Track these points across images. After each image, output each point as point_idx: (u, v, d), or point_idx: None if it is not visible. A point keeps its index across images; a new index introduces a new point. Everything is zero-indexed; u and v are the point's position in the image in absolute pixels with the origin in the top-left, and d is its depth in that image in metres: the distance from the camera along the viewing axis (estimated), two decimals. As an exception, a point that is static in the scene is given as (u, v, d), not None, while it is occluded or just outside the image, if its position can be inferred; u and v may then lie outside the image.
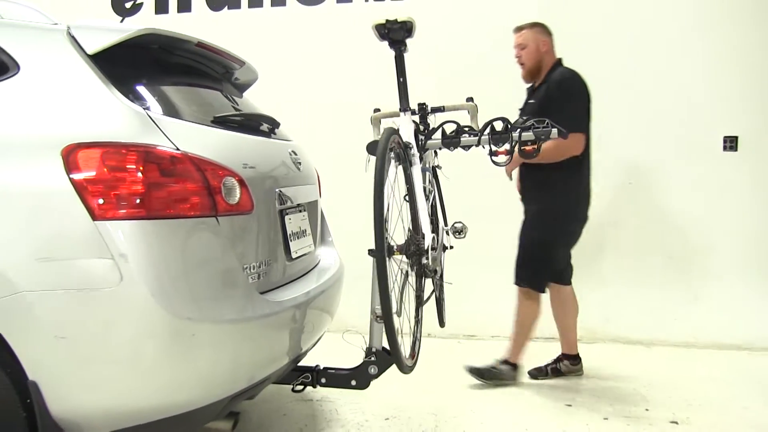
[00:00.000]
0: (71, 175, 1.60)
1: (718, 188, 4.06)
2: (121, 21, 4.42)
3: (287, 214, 2.19)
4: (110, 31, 1.86)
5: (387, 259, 1.84)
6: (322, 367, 2.39)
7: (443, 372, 3.27)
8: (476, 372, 3.13)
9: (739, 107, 4.06)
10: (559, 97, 2.88)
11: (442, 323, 2.59)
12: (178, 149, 1.72)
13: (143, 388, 1.63)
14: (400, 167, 2.13)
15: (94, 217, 1.59)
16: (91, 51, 1.78)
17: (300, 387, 2.37)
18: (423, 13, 3.21)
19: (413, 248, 1.74)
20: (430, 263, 1.67)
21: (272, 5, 4.43)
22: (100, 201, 1.60)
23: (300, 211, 2.32)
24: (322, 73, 4.33)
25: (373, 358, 2.30)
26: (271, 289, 2.01)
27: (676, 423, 2.70)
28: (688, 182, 4.08)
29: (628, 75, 4.06)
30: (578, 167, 3.03)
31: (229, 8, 4.46)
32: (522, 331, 3.16)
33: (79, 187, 1.60)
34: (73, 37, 1.81)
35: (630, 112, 4.09)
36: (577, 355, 3.32)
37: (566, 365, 3.29)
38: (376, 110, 2.71)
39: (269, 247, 2.03)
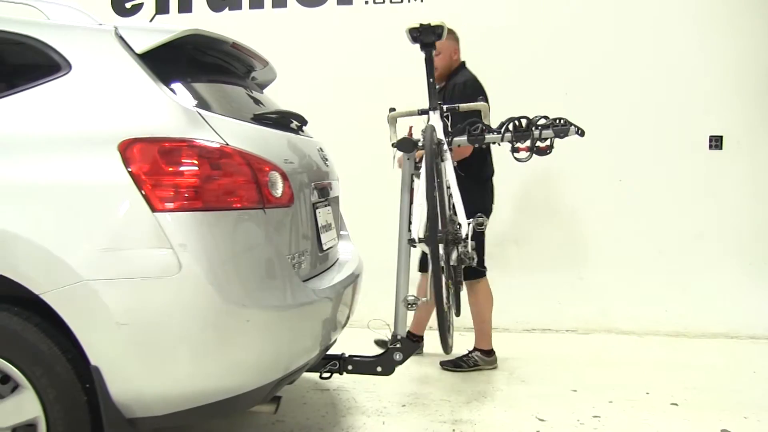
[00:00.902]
0: (129, 168, 1.68)
1: (704, 185, 4.26)
2: (151, 21, 4.46)
3: (317, 207, 2.29)
4: (156, 31, 1.94)
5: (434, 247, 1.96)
6: (347, 355, 2.49)
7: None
8: (450, 364, 3.29)
9: (724, 107, 4.27)
10: (459, 100, 2.92)
11: (458, 311, 2.71)
12: (227, 144, 1.80)
13: (200, 372, 1.71)
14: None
15: (153, 209, 1.67)
16: (139, 50, 1.86)
17: (327, 375, 2.47)
18: (425, 15, 3.34)
19: (450, 237, 1.84)
20: (469, 251, 1.78)
21: (273, 6, 4.52)
22: (159, 193, 1.68)
23: (326, 206, 2.42)
24: (323, 73, 4.43)
25: (398, 345, 2.41)
26: (308, 278, 2.10)
27: (676, 404, 2.86)
28: (676, 179, 4.28)
29: (614, 76, 4.24)
30: (482, 164, 3.19)
31: (230, 9, 4.54)
32: (480, 317, 3.33)
33: (138, 180, 1.68)
34: (121, 37, 1.88)
35: (617, 112, 4.27)
36: (492, 349, 3.42)
37: (480, 357, 3.38)
38: (392, 109, 2.81)
39: (305, 238, 2.13)
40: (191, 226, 1.69)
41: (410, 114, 2.70)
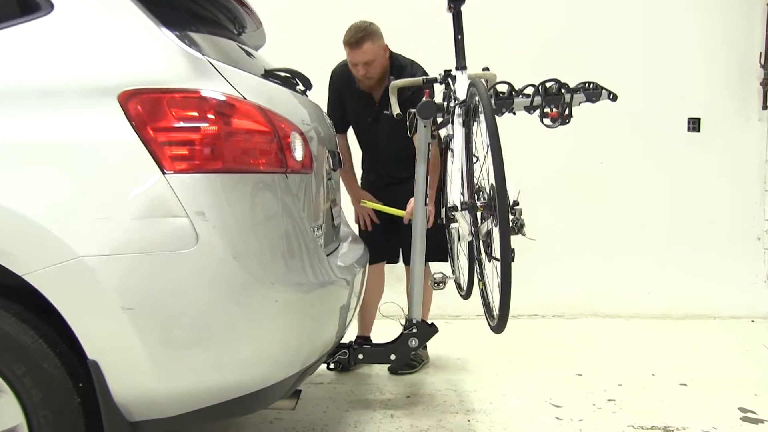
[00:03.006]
0: (134, 123, 1.40)
1: (683, 167, 4.25)
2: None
3: (330, 177, 2.05)
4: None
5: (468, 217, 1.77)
6: (357, 344, 2.26)
7: (447, 351, 3.21)
8: (406, 367, 2.88)
9: (702, 90, 4.27)
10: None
11: (468, 293, 2.53)
12: (244, 98, 1.55)
13: (222, 365, 1.45)
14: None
15: (164, 170, 1.40)
16: (135, -12, 1.57)
17: (334, 365, 2.24)
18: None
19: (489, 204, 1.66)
20: (518, 218, 1.59)
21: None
22: (171, 152, 1.41)
23: (330, 179, 2.18)
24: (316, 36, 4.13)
25: (413, 330, 2.20)
26: (328, 254, 1.87)
27: (685, 385, 2.78)
28: (656, 161, 4.25)
29: (595, 57, 4.15)
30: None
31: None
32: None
33: (145, 137, 1.40)
34: (110, -28, 1.58)
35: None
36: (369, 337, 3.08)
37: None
38: (392, 78, 2.60)
39: (322, 209, 1.89)
40: (209, 191, 1.43)
41: (414, 84, 2.48)
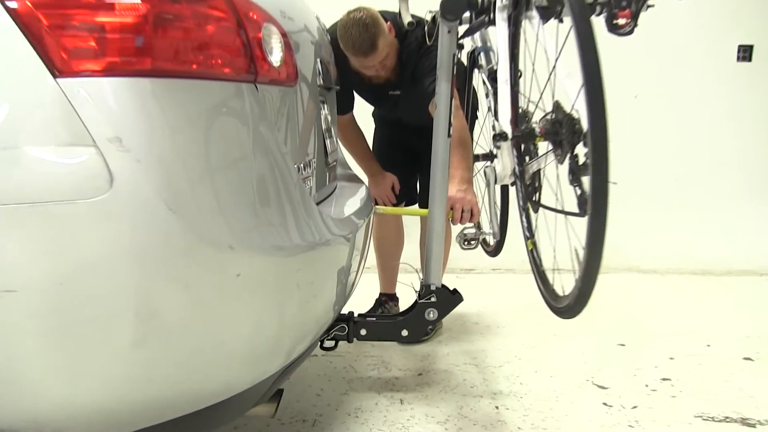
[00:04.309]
0: (8, 2, 0.87)
1: (730, 102, 3.70)
2: None
3: (323, 99, 1.52)
4: None
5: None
6: (359, 315, 1.78)
7: (462, 312, 2.75)
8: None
9: (756, 13, 3.67)
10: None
11: (498, 251, 2.05)
12: (190, -34, 1.00)
13: (153, 373, 0.96)
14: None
15: (56, 72, 0.88)
16: None
17: (330, 343, 1.76)
18: None
19: (565, 131, 1.13)
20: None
21: None
22: (69, 41, 0.89)
23: (323, 102, 1.65)
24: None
25: (432, 299, 1.72)
26: (319, 202, 1.37)
27: (751, 359, 2.33)
28: (698, 95, 3.70)
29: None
30: None
31: None
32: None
33: (24, 21, 0.87)
34: None
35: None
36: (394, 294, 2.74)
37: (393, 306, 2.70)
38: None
39: (312, 141, 1.37)
40: (131, 105, 0.91)
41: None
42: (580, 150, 1.19)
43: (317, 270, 1.18)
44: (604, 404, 1.94)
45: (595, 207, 0.98)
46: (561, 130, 1.15)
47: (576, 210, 1.14)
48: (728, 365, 2.26)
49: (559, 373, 2.17)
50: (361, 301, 2.41)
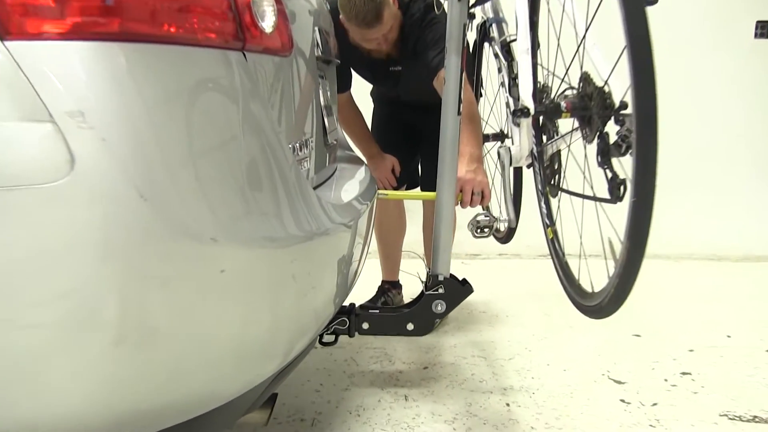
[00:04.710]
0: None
1: (746, 80, 3.55)
2: None
3: (320, 73, 1.39)
4: None
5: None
6: (360, 307, 1.66)
7: (468, 300, 2.62)
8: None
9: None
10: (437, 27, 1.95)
11: (509, 238, 1.92)
12: None
13: (128, 382, 0.83)
14: None
15: (5, 34, 0.74)
16: None
17: (330, 338, 1.64)
18: None
19: (595, 106, 0.99)
20: (630, 128, 0.95)
21: None
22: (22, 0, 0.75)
23: (323, 77, 1.51)
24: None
25: (440, 290, 1.59)
26: (318, 185, 1.24)
27: (773, 352, 2.21)
28: (713, 73, 3.55)
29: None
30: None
31: None
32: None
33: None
34: None
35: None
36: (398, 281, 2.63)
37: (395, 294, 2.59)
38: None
39: (310, 118, 1.24)
40: (96, 74, 0.77)
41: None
42: (611, 128, 1.06)
43: (315, 263, 1.05)
44: (622, 401, 1.82)
45: (640, 192, 0.85)
46: (591, 104, 1.02)
47: (606, 195, 1.02)
48: (751, 358, 2.14)
49: (572, 367, 2.06)
50: (361, 289, 2.29)
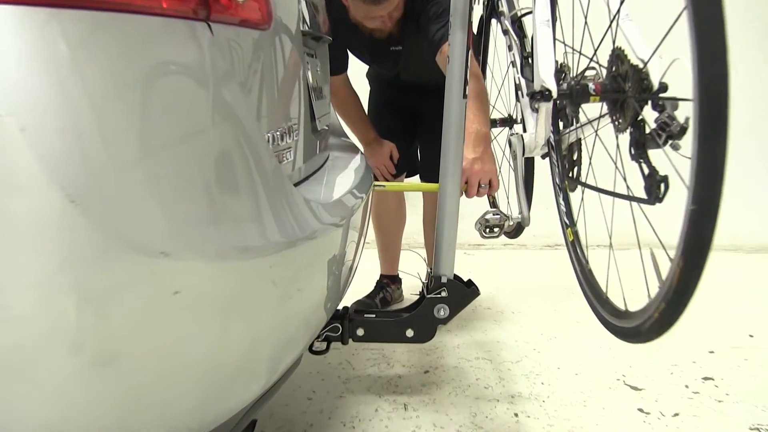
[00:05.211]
0: None
1: (765, 65, 3.37)
2: None
3: (309, 51, 1.22)
4: None
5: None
6: (355, 312, 1.51)
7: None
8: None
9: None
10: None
11: (518, 233, 1.76)
12: None
13: (64, 424, 0.68)
14: None
15: None
16: None
17: (321, 346, 1.49)
18: None
19: (631, 88, 0.84)
20: (671, 114, 0.80)
21: None
22: None
23: (312, 55, 1.34)
24: None
25: (442, 293, 1.44)
26: (299, 182, 1.08)
27: (799, 354, 2.06)
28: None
29: None
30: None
31: None
32: None
33: None
34: None
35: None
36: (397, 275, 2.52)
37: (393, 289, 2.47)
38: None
39: (296, 102, 1.07)
40: (18, 47, 0.61)
41: None
42: (648, 114, 0.90)
43: (300, 270, 0.89)
44: (640, 410, 1.68)
45: (703, 199, 0.68)
46: (626, 86, 0.86)
47: (643, 195, 0.86)
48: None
49: (584, 370, 1.91)
50: (358, 282, 2.15)
